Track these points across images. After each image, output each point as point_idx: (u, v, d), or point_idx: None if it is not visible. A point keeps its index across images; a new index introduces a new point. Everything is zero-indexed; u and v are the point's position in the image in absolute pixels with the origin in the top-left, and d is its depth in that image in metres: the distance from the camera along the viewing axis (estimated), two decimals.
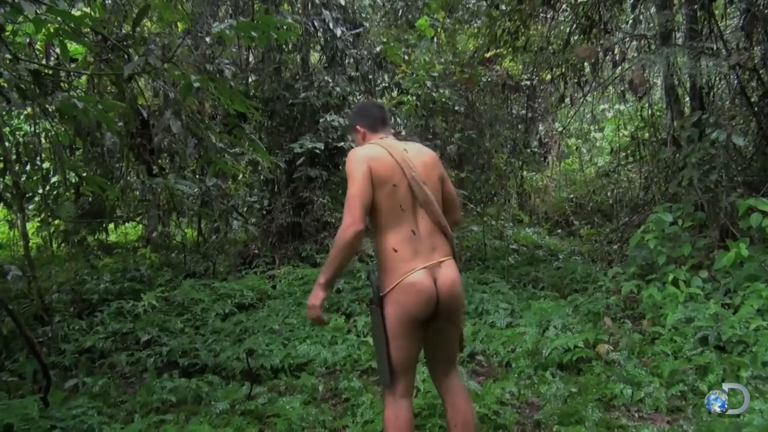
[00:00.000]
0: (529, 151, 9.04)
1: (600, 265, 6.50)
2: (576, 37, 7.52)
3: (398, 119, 7.37)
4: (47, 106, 3.99)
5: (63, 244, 6.59)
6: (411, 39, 7.74)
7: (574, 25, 7.60)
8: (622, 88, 7.33)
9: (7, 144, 4.68)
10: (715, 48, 5.94)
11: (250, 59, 7.79)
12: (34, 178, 5.30)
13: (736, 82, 6.67)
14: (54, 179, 5.55)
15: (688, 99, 6.55)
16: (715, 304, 4.18)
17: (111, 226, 7.14)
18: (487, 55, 7.95)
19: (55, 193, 5.56)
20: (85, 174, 4.62)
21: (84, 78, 5.06)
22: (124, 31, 4.22)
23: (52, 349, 4.29)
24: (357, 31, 7.64)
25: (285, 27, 3.51)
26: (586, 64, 7.42)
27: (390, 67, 7.76)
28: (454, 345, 2.42)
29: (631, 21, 7.33)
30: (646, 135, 7.67)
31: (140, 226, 7.99)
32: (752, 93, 6.72)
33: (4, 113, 4.96)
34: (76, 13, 4.14)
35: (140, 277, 6.12)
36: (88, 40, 4.06)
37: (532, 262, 7.25)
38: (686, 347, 3.82)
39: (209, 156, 4.19)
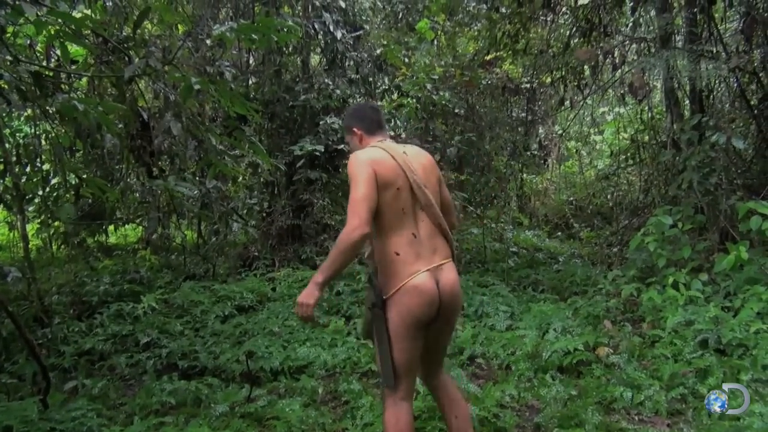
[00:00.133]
0: (529, 153, 9.04)
1: (600, 268, 6.49)
2: (576, 40, 7.53)
3: (398, 122, 7.37)
4: (47, 107, 3.99)
5: (63, 246, 6.59)
6: (411, 42, 7.74)
7: (574, 28, 7.60)
8: (621, 91, 7.33)
9: (7, 145, 4.69)
10: (714, 51, 5.95)
11: (251, 61, 7.79)
12: (34, 179, 5.30)
13: (735, 85, 6.68)
14: (54, 181, 5.55)
15: (687, 102, 6.55)
16: (715, 307, 4.17)
17: (111, 227, 7.13)
18: (487, 57, 7.96)
19: (55, 194, 5.56)
20: (85, 176, 4.61)
21: (84, 80, 5.06)
22: (124, 33, 4.21)
23: (52, 351, 4.28)
24: (357, 33, 7.65)
25: (285, 29, 3.51)
26: (586, 67, 7.43)
27: (390, 70, 7.77)
28: (448, 344, 2.51)
29: (630, 24, 7.33)
30: (646, 138, 7.68)
31: (140, 228, 7.99)
32: (752, 96, 6.73)
33: (4, 115, 4.96)
34: (76, 15, 4.15)
35: (140, 279, 6.12)
36: (89, 42, 4.07)
37: (531, 265, 7.25)
38: (686, 350, 3.81)
39: (209, 158, 4.19)
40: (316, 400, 3.62)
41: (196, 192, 5.14)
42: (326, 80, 7.28)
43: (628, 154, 8.16)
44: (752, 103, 6.58)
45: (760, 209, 4.32)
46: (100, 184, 3.86)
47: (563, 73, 7.54)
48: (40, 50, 4.71)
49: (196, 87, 3.36)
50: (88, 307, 5.32)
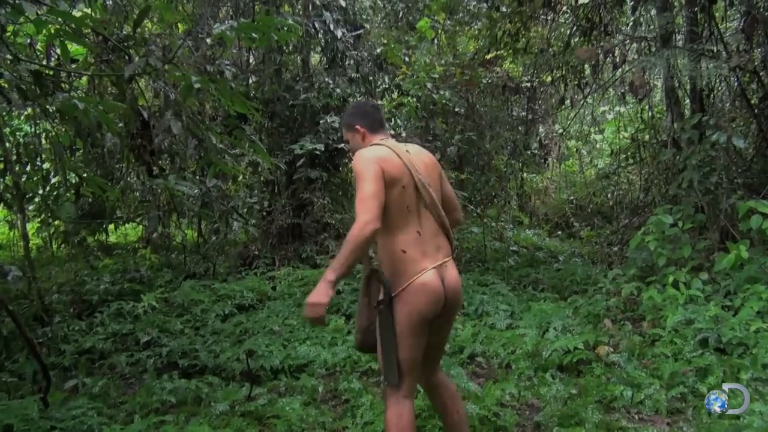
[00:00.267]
0: (529, 152, 9.05)
1: (600, 267, 6.49)
2: (576, 39, 7.53)
3: (398, 121, 7.37)
4: (48, 106, 3.99)
5: (63, 245, 6.59)
6: (411, 40, 7.75)
7: (575, 27, 7.60)
8: (622, 90, 7.33)
9: (7, 144, 4.69)
10: (715, 50, 5.95)
11: (251, 60, 7.79)
12: (35, 178, 5.31)
13: (736, 84, 6.67)
14: (54, 180, 5.56)
15: (688, 101, 6.55)
16: (715, 306, 4.17)
17: (111, 226, 7.13)
18: (488, 56, 7.96)
19: (55, 193, 5.57)
20: (85, 175, 4.62)
21: (84, 79, 5.06)
22: (124, 32, 4.22)
23: (52, 349, 4.29)
24: (357, 32, 7.65)
25: (285, 28, 3.51)
26: (586, 66, 7.42)
27: (390, 69, 7.77)
28: (446, 341, 2.52)
29: (631, 23, 7.33)
30: (647, 137, 7.67)
31: (140, 227, 7.99)
32: (752, 95, 6.72)
33: (4, 114, 4.96)
34: (76, 14, 4.15)
35: (140, 278, 6.12)
36: (89, 41, 4.07)
37: (532, 264, 7.25)
38: (686, 349, 3.81)
39: (209, 157, 4.19)
40: (317, 398, 3.62)
41: (196, 191, 5.14)
42: (326, 79, 7.28)
43: (629, 153, 8.15)
44: (753, 102, 6.58)
45: (760, 208, 4.32)
46: (101, 183, 3.86)
47: (564, 72, 7.54)
48: (41, 49, 4.71)
49: (197, 86, 3.36)
50: (89, 305, 5.32)
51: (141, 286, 5.85)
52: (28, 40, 4.50)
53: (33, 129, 5.45)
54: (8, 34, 3.65)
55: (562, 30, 8.10)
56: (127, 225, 8.06)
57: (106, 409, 3.45)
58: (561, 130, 10.51)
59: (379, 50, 7.62)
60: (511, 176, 8.92)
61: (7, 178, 4.58)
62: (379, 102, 7.34)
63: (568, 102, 8.12)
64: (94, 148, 5.55)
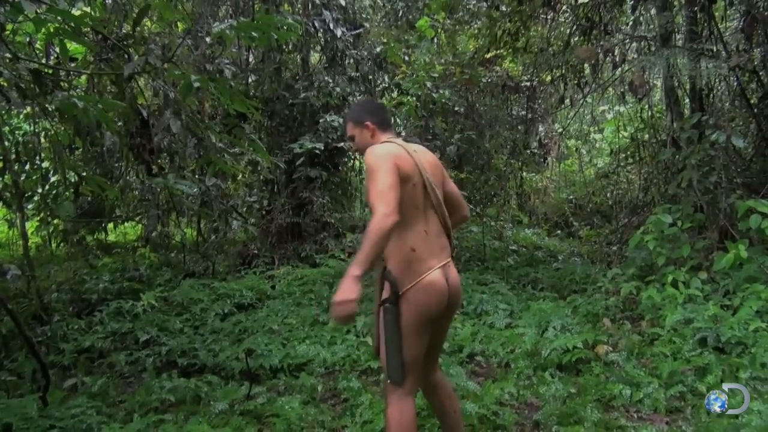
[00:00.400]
0: (528, 152, 9.05)
1: (599, 266, 6.49)
2: (576, 39, 7.53)
3: (398, 120, 7.37)
4: (47, 105, 3.98)
5: (62, 244, 6.59)
6: (411, 40, 7.74)
7: (575, 27, 7.60)
8: (622, 90, 7.33)
9: (6, 143, 4.69)
10: (715, 50, 5.94)
11: (250, 59, 7.79)
12: (34, 177, 5.31)
13: (735, 83, 6.67)
14: (53, 179, 5.56)
15: (687, 100, 6.54)
16: (714, 306, 4.18)
17: (110, 225, 7.14)
18: (488, 56, 7.95)
19: (54, 192, 5.57)
20: (84, 173, 4.62)
21: (84, 77, 5.06)
22: (124, 31, 4.22)
23: (51, 348, 4.29)
24: (357, 31, 7.64)
25: (285, 27, 3.51)
26: (586, 65, 7.42)
27: (390, 68, 7.77)
28: (444, 340, 2.53)
29: (631, 22, 7.32)
30: (646, 136, 7.67)
31: (139, 225, 7.99)
32: (752, 95, 6.73)
33: (3, 112, 4.96)
34: (76, 12, 4.13)
35: (139, 276, 6.12)
36: (88, 40, 4.07)
37: (531, 263, 7.25)
38: (685, 348, 3.82)
39: (209, 156, 4.19)
40: (316, 397, 3.62)
41: (195, 190, 5.14)
42: (326, 78, 7.28)
43: (628, 153, 8.15)
44: (752, 101, 6.58)
45: (759, 208, 4.32)
46: (100, 181, 3.86)
47: (563, 71, 7.53)
48: (40, 48, 4.71)
49: (196, 85, 3.36)
50: (88, 304, 5.32)
51: (140, 284, 5.85)
52: (28, 39, 4.49)
53: (32, 128, 5.45)
54: (7, 32, 3.65)
55: (562, 29, 8.10)
56: (126, 224, 8.06)
57: (106, 407, 3.45)
58: (560, 130, 10.51)
59: (378, 49, 7.62)
60: (511, 175, 8.91)
61: (6, 176, 4.58)
62: (379, 101, 7.34)
63: (567, 101, 8.12)
64: (93, 146, 5.55)
